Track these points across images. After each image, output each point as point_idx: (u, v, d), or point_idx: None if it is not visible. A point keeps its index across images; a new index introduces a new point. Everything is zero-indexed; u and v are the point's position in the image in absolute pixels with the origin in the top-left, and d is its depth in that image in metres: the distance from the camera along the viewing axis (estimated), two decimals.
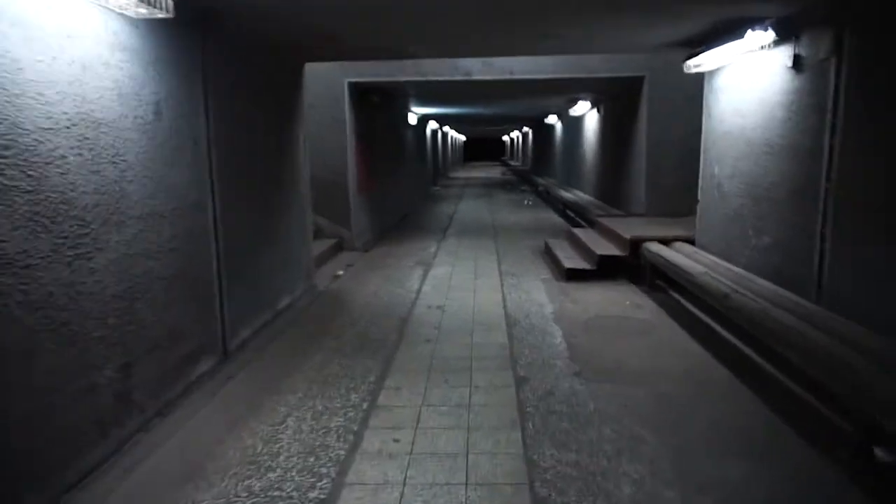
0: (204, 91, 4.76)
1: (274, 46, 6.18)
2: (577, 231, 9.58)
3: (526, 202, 18.59)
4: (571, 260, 8.21)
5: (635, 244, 7.48)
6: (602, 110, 12.97)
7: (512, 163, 43.75)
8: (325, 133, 9.91)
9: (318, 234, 10.03)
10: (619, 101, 11.53)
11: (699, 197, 7.30)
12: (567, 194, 15.26)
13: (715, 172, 6.79)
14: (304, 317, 6.38)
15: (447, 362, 4.95)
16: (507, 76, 9.59)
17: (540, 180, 21.93)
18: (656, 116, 9.65)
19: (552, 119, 20.25)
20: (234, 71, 5.37)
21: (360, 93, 10.58)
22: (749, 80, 5.86)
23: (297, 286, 6.96)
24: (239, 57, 5.46)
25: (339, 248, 10.06)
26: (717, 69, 6.59)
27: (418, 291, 7.32)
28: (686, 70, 6.77)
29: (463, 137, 51.45)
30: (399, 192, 14.93)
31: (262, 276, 5.93)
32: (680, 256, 6.55)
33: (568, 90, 12.19)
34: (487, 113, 19.89)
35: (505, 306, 6.59)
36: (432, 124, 23.78)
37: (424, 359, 5.04)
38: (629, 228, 8.16)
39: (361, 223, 10.71)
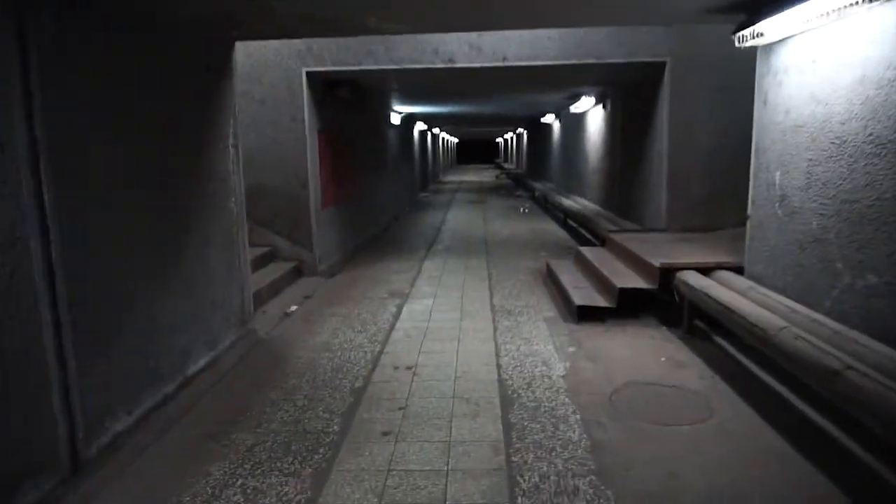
0: (22, 70, 3.02)
1: (178, 13, 4.44)
2: (585, 251, 7.87)
3: (522, 210, 16.89)
4: (582, 292, 6.50)
5: (666, 273, 5.78)
6: (609, 106, 11.28)
7: (506, 165, 42.07)
8: (280, 135, 8.19)
9: (274, 256, 8.31)
10: (631, 93, 9.85)
11: (749, 212, 5.60)
12: (568, 202, 13.56)
13: (776, 181, 5.09)
14: (221, 387, 4.64)
15: (410, 483, 3.22)
16: (500, 63, 7.88)
17: (536, 185, 20.25)
18: (680, 111, 7.96)
19: (549, 118, 18.58)
20: (96, 44, 3.63)
21: (326, 86, 8.86)
22: (837, 53, 4.17)
23: (225, 336, 5.24)
24: (105, 23, 3.72)
25: (297, 273, 8.33)
26: (781, 41, 4.89)
27: (385, 340, 5.59)
28: (738, 43, 5.07)
29: (455, 140, 49.92)
30: (379, 202, 13.20)
31: (155, 335, 4.20)
32: (734, 296, 4.85)
33: (570, 82, 10.49)
34: (478, 112, 18.19)
35: (499, 366, 4.86)
36: (420, 125, 22.08)
37: (375, 475, 3.30)
38: (653, 250, 6.46)
39: (327, 242, 8.97)
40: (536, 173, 24.17)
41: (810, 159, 4.52)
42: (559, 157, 18.29)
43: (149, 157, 4.18)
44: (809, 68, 4.53)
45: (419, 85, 10.35)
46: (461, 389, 4.41)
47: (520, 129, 32.37)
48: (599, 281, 6.63)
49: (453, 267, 8.94)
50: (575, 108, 13.15)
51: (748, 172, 8.05)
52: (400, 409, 4.12)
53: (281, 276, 7.75)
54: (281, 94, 8.12)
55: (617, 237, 7.73)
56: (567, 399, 4.21)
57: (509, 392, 4.35)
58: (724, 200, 8.10)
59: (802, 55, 4.62)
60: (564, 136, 17.03)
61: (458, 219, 15.15)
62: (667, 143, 8.06)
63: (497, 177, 34.87)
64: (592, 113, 12.80)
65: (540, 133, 23.00)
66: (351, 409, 4.13)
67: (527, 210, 16.87)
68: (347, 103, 10.04)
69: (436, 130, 30.09)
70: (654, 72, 8.20)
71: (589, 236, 10.83)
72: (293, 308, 6.86)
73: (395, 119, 15.57)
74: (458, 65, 7.90)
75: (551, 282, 7.69)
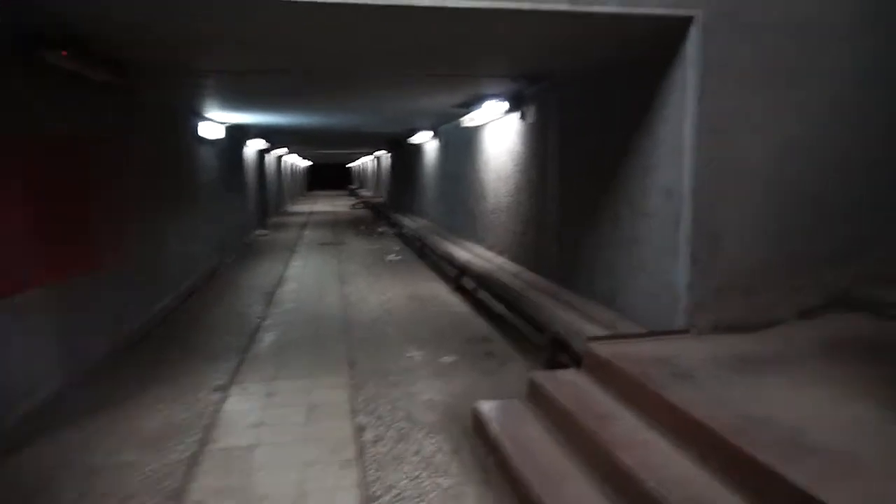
0: None
1: None
2: (554, 391, 3.83)
3: (391, 257, 12.68)
4: None
5: None
6: (532, 115, 7.47)
7: (363, 192, 37.71)
8: None
9: None
10: (582, 89, 6.07)
11: None
12: (463, 253, 9.58)
13: None
14: None
15: None
16: None
17: (405, 220, 16.20)
18: (718, 110, 4.24)
19: (421, 137, 14.65)
20: None
21: (19, 43, 4.15)
22: None
23: None
24: None
25: None
26: None
27: None
28: None
29: (306, 163, 44.86)
30: (172, 258, 8.37)
31: None
32: None
33: (492, 63, 6.52)
34: (332, 126, 13.77)
35: None
36: (258, 143, 17.18)
37: None
38: (730, 403, 2.56)
39: None
40: (403, 205, 20.13)
41: None
42: (439, 188, 14.36)
43: None
44: None
45: (216, 46, 5.79)
46: None
47: (380, 152, 28.32)
48: None
49: (285, 413, 4.47)
50: (470, 119, 9.27)
51: (843, 217, 4.52)
52: None
53: None
54: None
55: (616, 357, 3.78)
56: None
57: None
58: (787, 271, 4.49)
59: None
60: (447, 160, 13.13)
61: (303, 274, 10.62)
62: (689, 169, 4.29)
63: (353, 206, 30.45)
64: (500, 126, 8.97)
65: (407, 157, 19.05)
66: None
67: (397, 257, 12.70)
68: (88, 87, 5.32)
69: (281, 151, 25.16)
70: (660, 39, 4.42)
71: (515, 321, 6.81)
72: None
73: (212, 131, 10.78)
74: None
75: (496, 466, 3.52)
